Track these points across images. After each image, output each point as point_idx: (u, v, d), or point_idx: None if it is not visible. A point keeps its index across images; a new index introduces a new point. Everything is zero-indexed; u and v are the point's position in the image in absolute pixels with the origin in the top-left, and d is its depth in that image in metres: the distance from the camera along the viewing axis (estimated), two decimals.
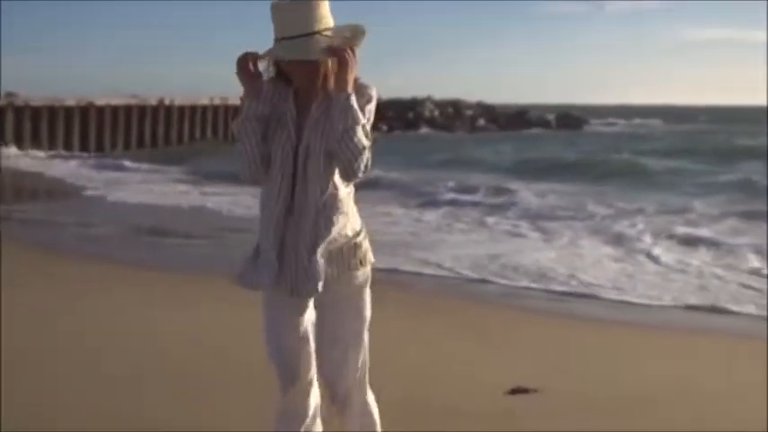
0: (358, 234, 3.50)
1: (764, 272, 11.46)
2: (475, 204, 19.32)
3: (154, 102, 41.90)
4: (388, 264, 11.09)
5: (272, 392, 3.63)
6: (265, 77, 3.46)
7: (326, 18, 3.36)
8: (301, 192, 3.40)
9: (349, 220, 3.46)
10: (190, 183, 24.94)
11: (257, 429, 4.49)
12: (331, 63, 3.36)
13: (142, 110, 41.19)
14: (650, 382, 6.32)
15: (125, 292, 9.12)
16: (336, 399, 3.57)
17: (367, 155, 3.33)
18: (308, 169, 3.38)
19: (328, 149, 3.34)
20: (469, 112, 62.72)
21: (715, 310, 9.51)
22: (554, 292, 10.29)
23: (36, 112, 37.22)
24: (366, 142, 3.32)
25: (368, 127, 3.35)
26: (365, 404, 3.64)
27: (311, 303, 3.53)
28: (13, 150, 34.86)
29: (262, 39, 3.46)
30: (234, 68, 3.44)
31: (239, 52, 3.44)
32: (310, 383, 3.60)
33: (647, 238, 14.15)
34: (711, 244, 13.61)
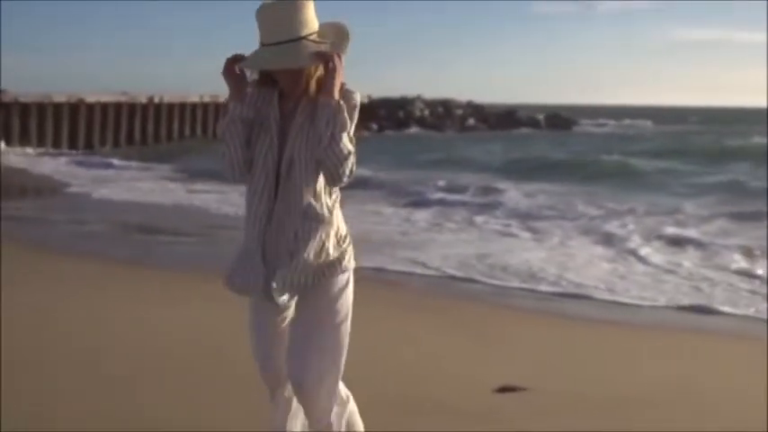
0: (341, 242, 3.49)
1: (753, 272, 11.49)
2: (464, 204, 19.30)
3: (144, 99, 41.80)
4: (376, 263, 11.12)
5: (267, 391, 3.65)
6: (250, 80, 3.47)
7: (312, 22, 3.36)
8: (284, 197, 3.40)
9: (333, 227, 3.46)
10: (178, 180, 24.92)
11: (252, 427, 4.49)
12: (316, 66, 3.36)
13: (132, 107, 41.08)
14: (640, 381, 6.32)
15: (115, 290, 9.10)
16: (300, 396, 3.51)
17: (352, 160, 3.34)
18: (292, 174, 3.38)
19: (314, 155, 3.34)
20: (459, 112, 62.78)
21: (704, 310, 9.54)
22: (543, 292, 10.30)
23: (25, 108, 37.07)
24: (351, 147, 3.33)
25: (352, 132, 3.36)
26: (331, 406, 3.55)
27: (293, 305, 3.52)
28: (1, 146, 34.73)
29: (255, 38, 3.44)
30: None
31: (232, 51, 3.45)
32: None
33: (637, 239, 14.16)
34: (700, 245, 13.64)
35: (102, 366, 6.11)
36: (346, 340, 3.52)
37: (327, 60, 3.30)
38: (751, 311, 9.43)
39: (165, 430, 4.80)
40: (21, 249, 11.73)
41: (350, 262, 3.52)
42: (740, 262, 12.27)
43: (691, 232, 14.95)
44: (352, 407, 3.67)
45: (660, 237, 14.44)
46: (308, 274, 3.40)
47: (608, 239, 14.27)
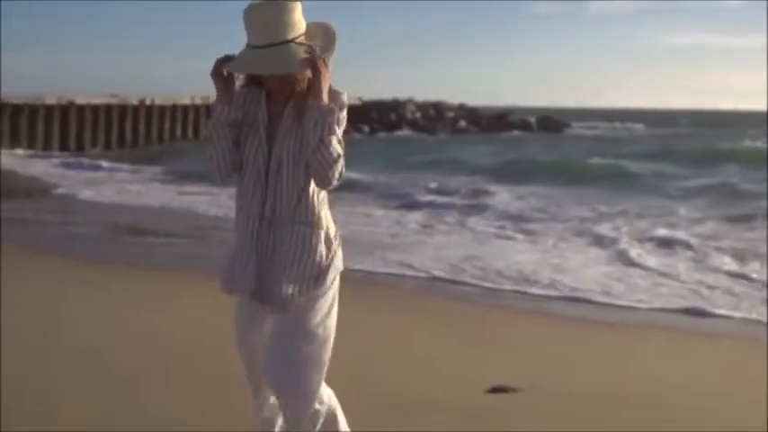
0: (332, 242, 3.47)
1: (744, 274, 11.52)
2: (455, 206, 19.30)
3: (135, 101, 41.73)
4: (366, 265, 11.13)
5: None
6: (238, 81, 3.46)
7: (299, 23, 3.34)
8: (274, 199, 3.39)
9: (322, 228, 3.44)
10: (168, 182, 24.90)
11: (237, 423, 4.47)
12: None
13: (123, 109, 41.00)
14: (632, 382, 6.34)
15: (108, 290, 9.11)
16: (281, 398, 3.47)
17: (341, 163, 3.33)
18: (281, 175, 3.37)
19: (303, 158, 3.33)
20: (451, 114, 62.84)
21: (696, 312, 9.56)
22: (534, 294, 10.31)
23: (16, 110, 36.96)
24: (340, 150, 3.32)
25: (340, 134, 3.34)
26: (311, 408, 3.50)
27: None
28: None
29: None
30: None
31: (224, 52, 3.43)
32: None
33: (628, 241, 14.17)
34: (691, 247, 13.65)
35: (101, 366, 6.09)
36: (331, 342, 3.50)
37: (315, 65, 3.28)
38: (743, 314, 9.45)
39: (154, 424, 4.80)
40: (14, 251, 11.68)
41: (339, 263, 3.50)
42: (731, 264, 12.30)
43: (682, 234, 14.95)
44: (333, 407, 3.62)
45: (651, 239, 14.46)
46: (302, 277, 3.38)
47: (599, 241, 14.29)
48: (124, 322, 7.56)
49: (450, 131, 59.52)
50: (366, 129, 54.56)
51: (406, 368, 6.48)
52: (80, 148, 37.89)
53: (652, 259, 12.66)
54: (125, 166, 30.04)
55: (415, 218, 17.49)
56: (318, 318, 3.44)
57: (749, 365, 7.26)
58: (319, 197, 3.44)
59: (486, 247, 13.90)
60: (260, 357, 3.50)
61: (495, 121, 65.40)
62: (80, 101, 39.19)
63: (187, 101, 43.46)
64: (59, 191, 22.35)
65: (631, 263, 12.43)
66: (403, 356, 6.89)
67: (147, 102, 42.22)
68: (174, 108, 43.48)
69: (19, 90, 38.55)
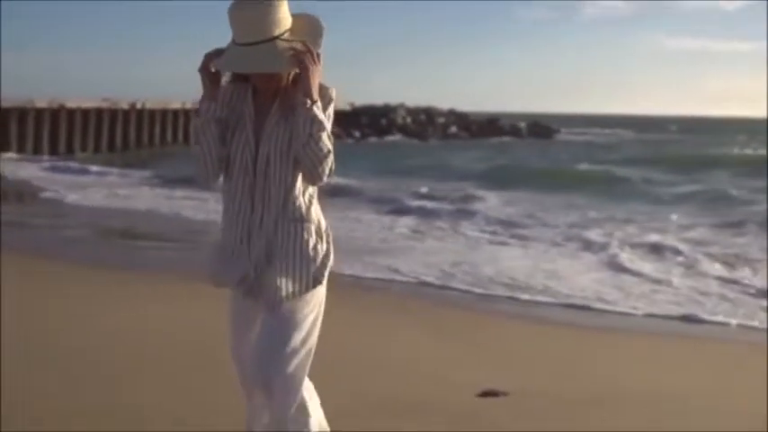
0: (323, 237, 3.46)
1: (734, 280, 11.59)
2: (444, 212, 19.32)
3: (125, 105, 41.67)
4: (356, 270, 11.13)
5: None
6: (224, 78, 3.43)
7: (285, 19, 3.30)
8: (262, 194, 3.37)
9: (313, 223, 3.43)
10: (157, 186, 24.88)
11: (238, 423, 4.48)
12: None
13: (113, 113, 40.93)
14: (622, 386, 6.33)
15: (99, 292, 9.11)
16: (265, 394, 3.42)
17: (331, 158, 3.31)
18: (269, 172, 3.35)
19: (291, 154, 3.32)
20: (442, 120, 62.93)
21: (685, 317, 9.58)
22: (524, 300, 10.30)
23: (6, 113, 36.84)
24: (330, 146, 3.30)
25: (329, 129, 3.33)
26: (293, 405, 3.46)
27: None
28: None
29: None
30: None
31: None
32: None
33: (618, 247, 14.21)
34: (680, 252, 13.70)
35: (98, 366, 6.10)
36: (316, 335, 3.47)
37: (303, 61, 3.26)
38: (735, 319, 9.48)
39: (149, 424, 4.81)
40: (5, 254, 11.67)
41: (330, 260, 3.48)
42: (722, 270, 12.34)
43: (672, 240, 15.01)
44: (315, 406, 3.60)
45: (641, 245, 14.49)
46: (297, 274, 3.37)
47: (589, 247, 14.32)
48: (119, 323, 7.55)
49: (441, 137, 59.59)
50: (357, 134, 54.59)
51: (398, 371, 6.47)
52: (70, 152, 37.80)
53: (642, 265, 12.68)
54: (114, 170, 29.97)
55: (405, 223, 17.50)
56: (307, 310, 3.42)
57: (743, 370, 7.29)
58: (309, 192, 3.42)
59: (475, 252, 13.92)
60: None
61: (486, 127, 65.52)
62: (71, 104, 39.11)
63: (178, 105, 43.45)
64: (46, 194, 22.30)
65: (621, 268, 12.44)
66: (394, 360, 6.87)
67: (138, 106, 42.16)
68: (164, 112, 43.46)
69: (18, 91, 38.47)
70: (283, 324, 3.38)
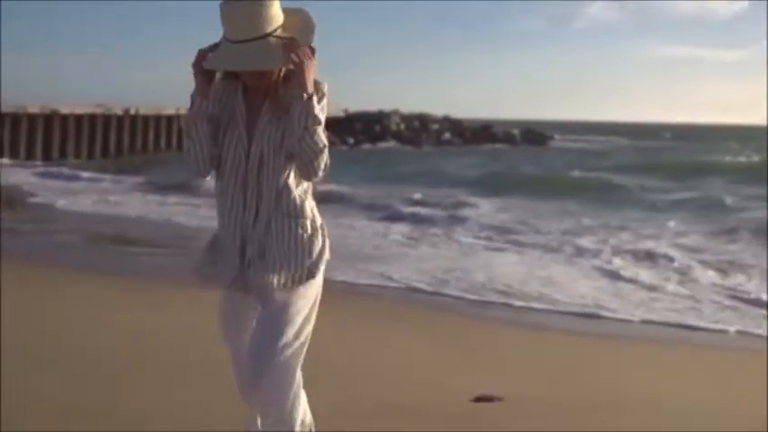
0: (317, 232, 3.44)
1: (727, 287, 11.61)
2: (438, 218, 19.32)
3: (119, 111, 41.60)
4: (349, 276, 11.12)
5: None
6: (217, 75, 3.41)
7: (277, 16, 3.29)
8: (256, 193, 3.36)
9: (307, 218, 3.42)
10: (148, 192, 24.81)
11: (230, 425, 4.47)
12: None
13: (107, 119, 40.85)
14: (617, 393, 6.34)
15: (92, 297, 9.10)
16: (257, 388, 3.37)
17: (326, 153, 3.29)
18: (262, 169, 3.34)
19: (287, 149, 3.30)
20: (436, 126, 62.94)
21: (679, 323, 9.61)
22: (517, 306, 10.30)
23: None
24: (325, 141, 3.29)
25: (324, 123, 3.31)
26: (287, 401, 3.42)
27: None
28: None
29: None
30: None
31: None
32: None
33: (611, 254, 14.23)
34: (674, 259, 13.71)
35: (95, 368, 6.09)
36: (309, 333, 3.45)
37: (297, 55, 3.24)
38: (729, 325, 9.53)
39: (143, 426, 4.81)
40: None
41: (326, 253, 3.47)
42: (715, 277, 12.38)
43: (666, 247, 15.03)
44: (303, 401, 3.57)
45: (634, 251, 14.50)
46: (291, 269, 3.35)
47: (582, 254, 14.32)
48: (113, 328, 7.55)
49: (435, 143, 59.60)
50: (350, 140, 54.58)
51: (392, 377, 6.47)
52: (63, 158, 37.71)
53: (636, 272, 12.69)
54: (107, 176, 29.85)
55: (398, 229, 17.48)
56: (301, 304, 3.40)
57: (740, 375, 7.34)
58: (302, 188, 3.41)
59: (469, 258, 13.92)
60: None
61: (480, 134, 65.54)
62: (64, 110, 39.02)
63: (172, 111, 43.37)
64: (36, 200, 22.24)
65: (615, 275, 12.45)
66: (388, 365, 6.87)
67: (132, 112, 42.09)
68: (158, 118, 43.40)
69: (16, 93, 38.35)
70: (277, 317, 3.36)
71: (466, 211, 20.62)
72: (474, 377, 6.56)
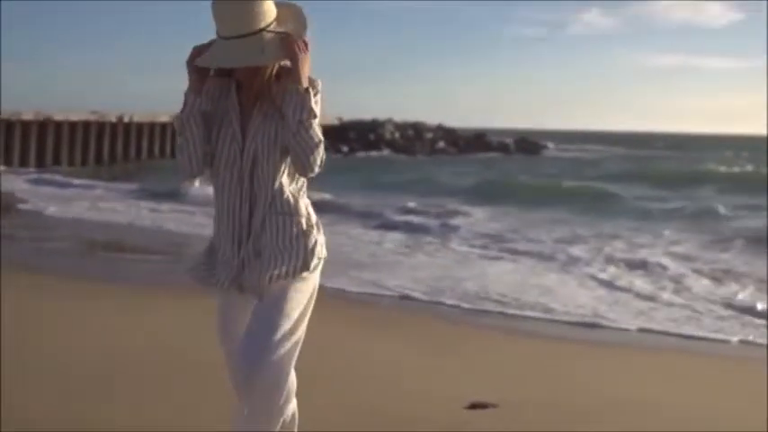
0: (312, 230, 3.42)
1: (719, 295, 11.62)
2: (432, 227, 19.29)
3: (113, 118, 41.58)
4: (342, 284, 11.09)
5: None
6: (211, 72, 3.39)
7: (270, 10, 3.27)
8: (250, 190, 3.35)
9: (302, 216, 3.40)
10: (140, 199, 24.74)
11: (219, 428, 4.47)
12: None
13: (101, 126, 40.84)
14: (609, 398, 6.33)
15: (83, 305, 9.07)
16: (250, 384, 3.32)
17: (322, 148, 3.28)
18: (256, 168, 3.33)
19: (283, 144, 3.28)
20: (430, 135, 62.96)
21: (675, 332, 9.60)
22: (510, 314, 10.29)
23: None
24: (321, 136, 3.27)
25: (319, 119, 3.29)
26: (282, 398, 3.40)
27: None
28: None
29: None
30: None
31: None
32: None
33: (604, 262, 14.23)
34: (667, 268, 13.70)
35: (88, 375, 6.09)
36: (303, 331, 3.43)
37: (292, 48, 3.23)
38: (721, 334, 9.52)
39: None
40: None
41: (321, 250, 3.45)
42: (710, 285, 12.39)
43: (660, 256, 15.03)
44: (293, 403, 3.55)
45: (628, 260, 14.49)
46: (284, 265, 3.33)
47: (575, 262, 14.30)
48: (105, 334, 7.56)
49: (429, 152, 59.62)
50: (345, 148, 54.61)
51: (386, 383, 6.46)
52: (57, 165, 37.63)
53: (630, 280, 12.68)
54: (99, 182, 29.80)
55: (392, 238, 17.46)
56: (297, 300, 3.37)
57: (735, 384, 7.33)
58: (297, 186, 3.40)
59: (462, 267, 13.91)
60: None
61: (474, 143, 65.60)
62: (58, 117, 38.98)
63: (166, 118, 43.34)
64: (26, 206, 22.17)
65: (608, 284, 12.44)
66: (382, 372, 6.86)
67: (126, 119, 42.09)
68: (152, 126, 43.40)
69: (13, 101, 38.24)
70: (272, 310, 3.33)
71: (460, 220, 20.62)
72: (468, 385, 6.55)
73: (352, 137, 57.16)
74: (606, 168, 46.14)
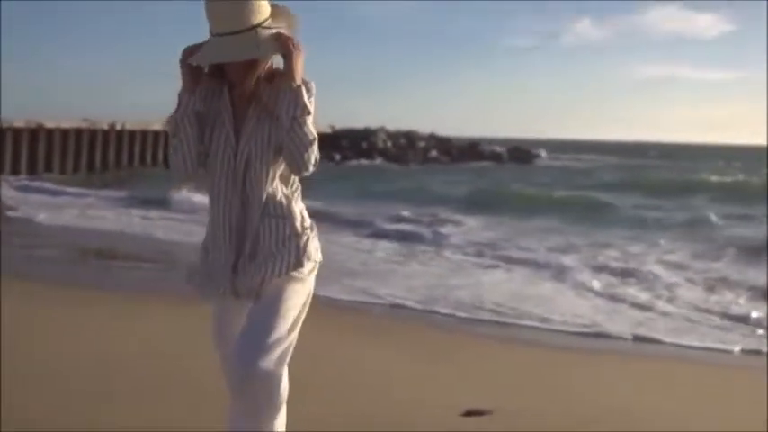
0: (305, 232, 3.39)
1: (709, 304, 11.62)
2: (424, 235, 19.25)
3: (105, 126, 41.50)
4: (334, 293, 11.07)
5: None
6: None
7: (264, 7, 3.25)
8: (244, 194, 3.32)
9: (296, 219, 3.37)
10: (130, 207, 24.68)
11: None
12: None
13: (93, 133, 40.73)
14: (606, 407, 6.32)
15: (74, 312, 9.03)
16: (245, 384, 3.27)
17: (316, 147, 3.24)
18: (249, 171, 3.30)
19: (277, 144, 3.25)
20: (422, 144, 62.96)
21: (665, 340, 9.59)
22: (504, 322, 10.29)
23: None
24: (315, 134, 3.24)
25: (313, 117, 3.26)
26: (278, 398, 3.35)
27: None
28: None
29: None
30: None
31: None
32: None
33: (597, 271, 14.21)
34: (660, 277, 13.70)
35: (81, 382, 6.07)
36: (296, 334, 3.38)
37: (287, 45, 3.21)
38: (716, 343, 9.52)
39: None
40: None
41: (314, 253, 3.43)
42: (704, 294, 12.40)
43: (653, 264, 15.03)
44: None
45: (620, 269, 14.49)
46: (278, 265, 3.30)
47: (568, 271, 14.28)
48: (96, 341, 7.53)
49: (421, 161, 59.61)
50: (337, 157, 54.61)
51: (380, 391, 6.43)
52: (49, 172, 37.50)
53: (623, 289, 12.69)
54: (89, 190, 29.70)
55: (384, 246, 17.44)
56: (292, 301, 3.33)
57: (732, 392, 7.33)
58: (291, 189, 3.38)
59: (455, 275, 13.88)
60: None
61: (466, 152, 65.62)
62: (49, 125, 38.87)
63: (158, 126, 43.27)
64: (16, 214, 22.08)
65: (601, 292, 12.45)
66: (377, 380, 6.84)
67: (118, 126, 42.01)
68: (144, 133, 43.34)
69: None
70: (268, 313, 3.30)
71: (452, 229, 20.61)
72: (462, 392, 6.54)
73: (344, 145, 57.14)
74: (599, 177, 46.23)
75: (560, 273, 14.12)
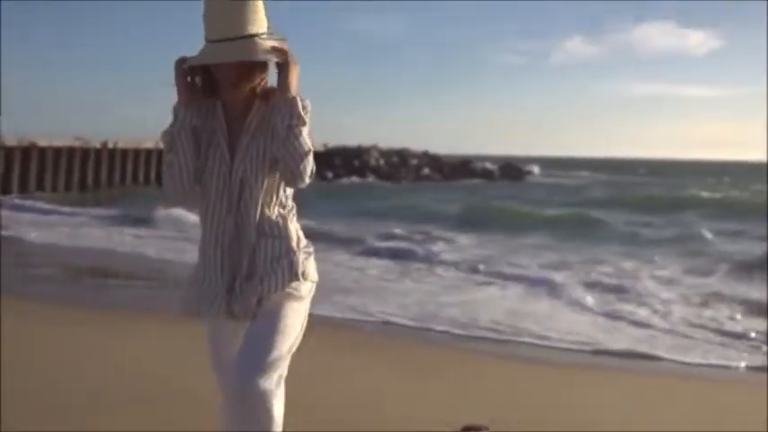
0: (301, 252, 3.37)
1: (701, 319, 11.63)
2: (416, 253, 19.23)
3: (97, 144, 41.47)
4: (327, 311, 11.04)
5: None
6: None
7: (263, 21, 3.25)
8: (239, 213, 3.29)
9: (292, 240, 3.35)
10: (120, 225, 24.59)
11: None
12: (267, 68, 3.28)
13: (85, 152, 40.70)
14: (603, 423, 6.31)
15: (66, 330, 9.01)
16: (243, 401, 3.22)
17: (312, 158, 3.22)
18: (244, 191, 3.27)
19: (272, 160, 3.23)
20: (415, 162, 63.09)
21: (661, 356, 9.58)
22: (497, 339, 10.26)
23: None
24: (310, 145, 3.22)
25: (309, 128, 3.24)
26: (274, 412, 3.29)
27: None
28: None
29: None
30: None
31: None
32: None
33: (589, 288, 14.20)
34: (651, 293, 13.70)
35: (74, 397, 6.06)
36: (294, 350, 3.36)
37: (283, 55, 3.20)
38: (712, 359, 9.51)
39: None
40: None
41: (312, 273, 3.40)
42: (697, 309, 12.41)
43: (646, 281, 15.03)
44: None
45: (613, 285, 14.48)
46: (273, 283, 3.27)
47: (560, 288, 14.25)
48: (90, 359, 7.52)
49: (414, 178, 59.72)
50: (330, 175, 54.64)
51: (375, 409, 6.41)
52: (41, 191, 37.43)
53: (617, 305, 12.68)
54: (81, 209, 29.62)
55: (377, 264, 17.41)
56: (291, 318, 3.30)
57: (725, 408, 7.30)
58: (286, 208, 3.35)
59: (448, 292, 13.86)
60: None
61: (459, 169, 65.75)
62: (42, 143, 38.82)
63: (150, 145, 43.26)
64: (8, 233, 21.98)
65: (594, 309, 12.43)
66: (374, 398, 6.81)
67: (110, 145, 41.98)
68: (137, 152, 43.31)
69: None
70: (266, 329, 3.26)
71: (444, 246, 20.58)
72: (457, 409, 6.52)
73: (337, 163, 57.22)
74: (590, 194, 46.33)
75: (554, 289, 14.10)
